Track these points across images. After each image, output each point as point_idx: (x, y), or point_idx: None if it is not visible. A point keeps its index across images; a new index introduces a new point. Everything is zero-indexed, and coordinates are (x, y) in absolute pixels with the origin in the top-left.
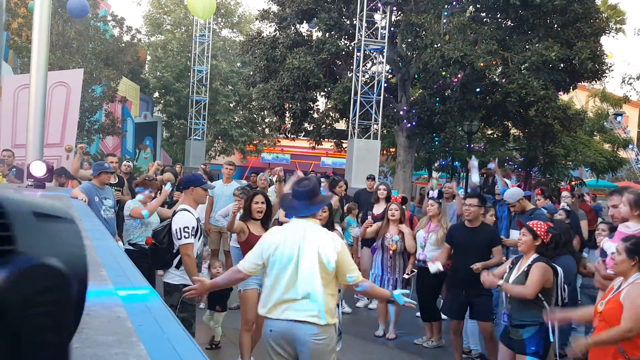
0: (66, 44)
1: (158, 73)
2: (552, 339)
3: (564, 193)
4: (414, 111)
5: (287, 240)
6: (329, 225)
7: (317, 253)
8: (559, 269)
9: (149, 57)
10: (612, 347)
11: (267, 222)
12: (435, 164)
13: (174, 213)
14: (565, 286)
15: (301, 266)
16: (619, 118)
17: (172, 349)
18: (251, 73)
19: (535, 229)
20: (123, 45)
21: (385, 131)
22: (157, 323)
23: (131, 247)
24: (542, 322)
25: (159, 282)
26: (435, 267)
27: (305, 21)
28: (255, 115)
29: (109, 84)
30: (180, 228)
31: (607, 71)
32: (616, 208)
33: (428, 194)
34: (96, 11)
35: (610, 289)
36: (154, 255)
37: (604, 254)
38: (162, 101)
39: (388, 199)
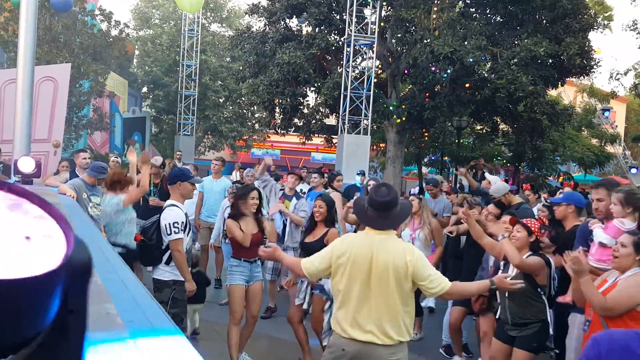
0: (53, 39)
1: (147, 68)
2: (551, 333)
3: (566, 189)
4: (403, 106)
5: (362, 251)
6: (328, 222)
7: (391, 266)
8: (551, 260)
9: (137, 52)
10: None
11: (257, 217)
12: (425, 159)
13: (162, 209)
14: (555, 275)
15: (374, 282)
16: (606, 113)
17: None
18: (240, 68)
19: (530, 225)
20: (111, 39)
21: (375, 126)
22: (147, 319)
23: (120, 249)
24: (543, 319)
25: (148, 277)
26: None
27: (295, 16)
28: (244, 111)
29: (96, 78)
30: (170, 223)
31: (594, 67)
32: (601, 202)
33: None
34: (84, 5)
35: (603, 281)
36: (143, 252)
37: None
38: (150, 96)
39: None
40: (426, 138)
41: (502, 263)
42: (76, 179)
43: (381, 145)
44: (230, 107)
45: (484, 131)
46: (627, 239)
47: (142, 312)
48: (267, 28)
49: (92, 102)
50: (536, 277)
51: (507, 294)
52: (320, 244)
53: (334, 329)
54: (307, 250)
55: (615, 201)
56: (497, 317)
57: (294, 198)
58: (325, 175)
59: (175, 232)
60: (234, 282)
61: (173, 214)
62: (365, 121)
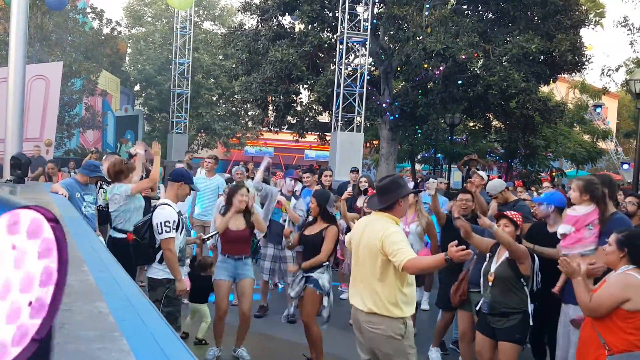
0: (45, 37)
1: (139, 66)
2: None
3: (545, 184)
4: (396, 103)
5: (356, 232)
6: (325, 217)
7: (367, 244)
8: (535, 256)
9: (129, 50)
10: (596, 340)
11: (248, 215)
12: (418, 156)
13: (154, 207)
14: (539, 272)
15: (360, 257)
16: (598, 109)
17: (155, 343)
18: (233, 66)
19: (515, 218)
20: (103, 37)
21: (368, 124)
22: (139, 318)
23: (122, 235)
24: (525, 310)
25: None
26: None
27: (287, 13)
28: (238, 109)
29: (88, 77)
30: (161, 222)
31: (586, 63)
32: None
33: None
34: (75, 3)
35: (603, 282)
36: (136, 251)
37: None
38: (143, 94)
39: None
40: (419, 135)
41: (488, 255)
42: (69, 178)
43: (374, 142)
44: (224, 105)
45: (477, 128)
46: (612, 237)
47: (135, 310)
48: (260, 26)
49: (84, 100)
50: (521, 266)
51: (491, 283)
52: (318, 238)
53: None
54: (305, 242)
55: (574, 188)
56: (477, 309)
57: (292, 198)
58: (316, 171)
59: (166, 232)
60: (218, 277)
61: (165, 212)
62: (358, 118)
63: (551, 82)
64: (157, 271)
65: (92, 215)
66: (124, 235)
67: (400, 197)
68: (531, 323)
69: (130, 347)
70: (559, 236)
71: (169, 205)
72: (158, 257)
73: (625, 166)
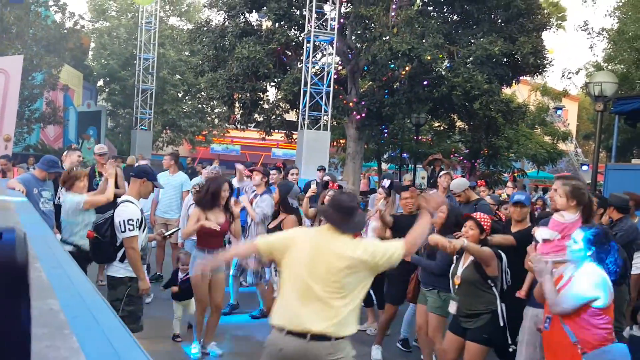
0: (5, 30)
1: (103, 60)
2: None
3: (509, 183)
4: (363, 103)
5: (306, 244)
6: (286, 209)
7: (337, 262)
8: (502, 254)
9: (93, 44)
10: (567, 338)
11: (228, 209)
12: (385, 156)
13: (116, 205)
14: (508, 270)
15: (318, 276)
16: (559, 112)
17: (106, 341)
18: (199, 62)
19: (482, 222)
20: (65, 31)
21: (335, 123)
22: (92, 315)
23: (72, 248)
24: (494, 310)
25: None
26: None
27: (254, 10)
28: (204, 105)
29: (50, 71)
30: (124, 220)
31: (547, 66)
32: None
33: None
34: None
35: (560, 277)
36: (96, 249)
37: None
38: (106, 90)
39: None
40: (385, 134)
41: (455, 257)
42: (26, 174)
43: (341, 141)
44: (190, 102)
45: (442, 128)
46: (578, 235)
47: (87, 308)
48: (227, 22)
49: (45, 95)
50: (487, 268)
51: (457, 286)
52: (277, 230)
53: (272, 323)
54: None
55: (561, 193)
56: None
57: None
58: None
59: (129, 230)
60: (195, 273)
61: (128, 210)
62: (325, 117)
63: (513, 84)
64: (118, 269)
65: (50, 211)
66: (72, 248)
67: (362, 227)
68: (501, 323)
69: (80, 344)
70: (537, 239)
71: (132, 202)
72: (119, 255)
73: (585, 167)
